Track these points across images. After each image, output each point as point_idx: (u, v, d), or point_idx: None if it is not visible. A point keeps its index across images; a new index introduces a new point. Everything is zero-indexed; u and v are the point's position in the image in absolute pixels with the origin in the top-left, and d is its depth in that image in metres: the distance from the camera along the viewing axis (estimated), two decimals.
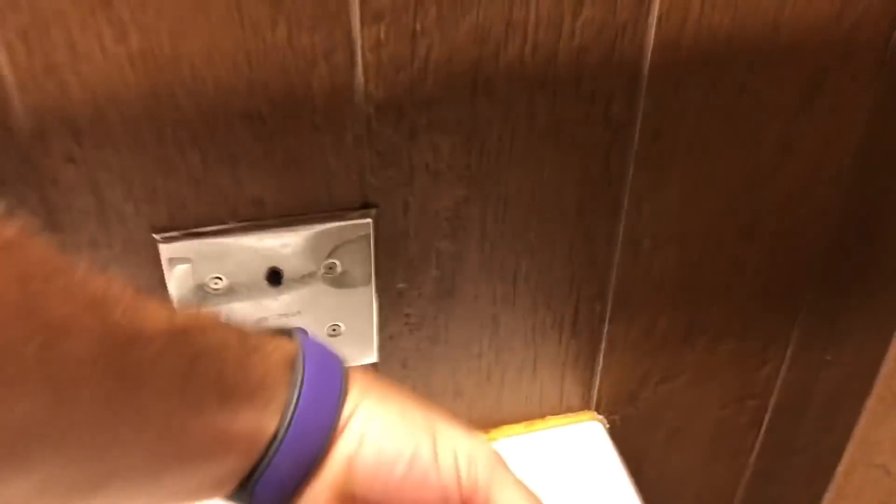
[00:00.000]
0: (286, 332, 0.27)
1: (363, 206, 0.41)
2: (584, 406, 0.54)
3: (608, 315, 0.49)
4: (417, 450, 0.26)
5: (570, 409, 0.53)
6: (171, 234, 0.38)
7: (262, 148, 0.37)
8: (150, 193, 0.37)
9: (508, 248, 0.44)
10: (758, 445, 0.61)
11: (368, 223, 0.41)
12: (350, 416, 0.26)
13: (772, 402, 0.58)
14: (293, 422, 0.24)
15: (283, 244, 0.40)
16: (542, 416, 0.53)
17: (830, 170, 0.46)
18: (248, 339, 0.24)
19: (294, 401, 0.24)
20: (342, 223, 0.40)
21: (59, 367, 0.18)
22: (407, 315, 0.45)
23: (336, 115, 0.37)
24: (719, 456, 0.61)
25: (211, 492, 0.25)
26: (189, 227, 0.38)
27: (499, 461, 0.27)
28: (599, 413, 0.54)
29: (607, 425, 0.54)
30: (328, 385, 0.26)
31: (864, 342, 0.57)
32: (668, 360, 0.53)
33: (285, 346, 0.25)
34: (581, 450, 0.52)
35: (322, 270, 0.41)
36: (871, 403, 0.61)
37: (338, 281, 0.42)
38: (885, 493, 0.61)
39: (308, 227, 0.40)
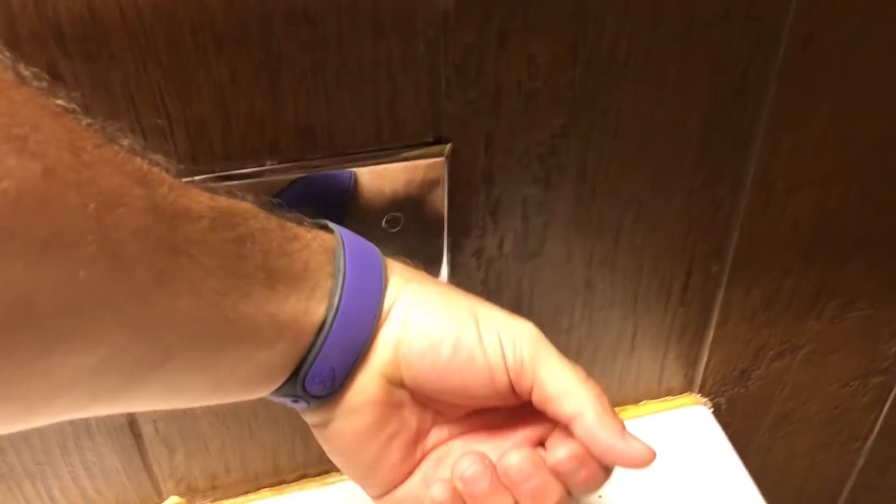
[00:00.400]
0: (322, 225, 0.26)
1: (435, 141, 0.31)
2: (687, 388, 0.45)
3: (726, 277, 0.40)
4: (462, 332, 0.26)
5: (669, 392, 0.44)
6: (191, 180, 0.29)
7: (310, 59, 0.28)
8: (164, 125, 0.28)
9: (612, 194, 0.35)
10: (876, 429, 0.52)
11: (441, 163, 0.32)
12: (393, 303, 0.26)
13: None
14: (340, 308, 0.24)
15: (335, 190, 0.31)
16: (636, 400, 0.44)
17: None
18: (287, 227, 0.24)
19: (339, 288, 0.25)
20: (408, 163, 0.31)
21: (115, 234, 0.18)
22: (483, 280, 0.36)
23: (405, 15, 0.28)
24: (831, 442, 0.52)
25: (262, 383, 0.24)
26: (216, 171, 0.29)
27: (542, 339, 0.27)
28: (703, 396, 0.45)
29: (712, 408, 0.45)
30: (370, 273, 0.26)
31: None
32: (788, 331, 0.44)
33: (324, 237, 0.25)
34: (686, 442, 0.43)
35: (383, 224, 0.32)
36: None
37: (402, 237, 0.33)
38: None
39: (365, 166, 0.31)
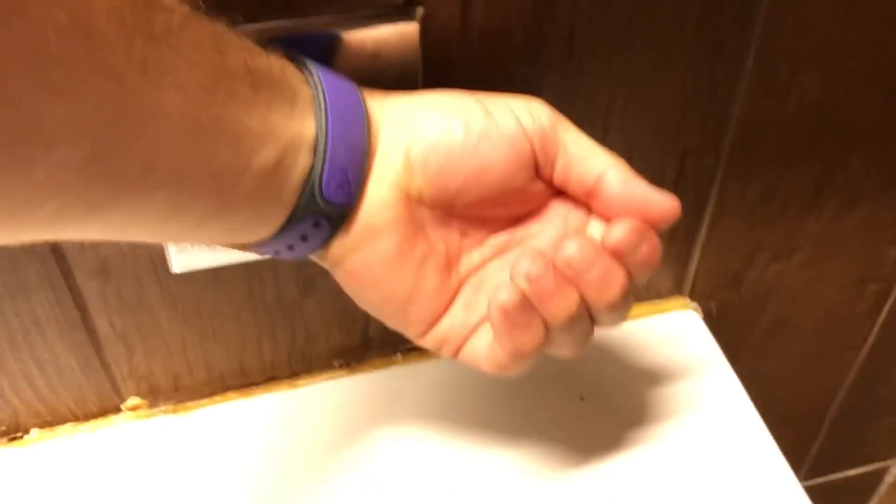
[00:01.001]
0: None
1: (406, 2, 0.28)
2: (676, 291, 0.43)
3: (721, 170, 0.37)
4: (469, 116, 0.25)
5: (658, 295, 0.42)
6: None
7: None
8: None
9: (602, 72, 0.32)
10: (872, 338, 0.51)
11: (414, 29, 0.29)
12: (384, 114, 0.26)
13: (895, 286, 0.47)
14: (328, 108, 0.24)
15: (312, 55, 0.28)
16: None
17: None
18: (252, 43, 0.23)
19: (320, 91, 0.24)
20: (374, 29, 0.28)
21: (86, 8, 0.17)
22: None
23: None
24: (825, 351, 0.50)
25: (273, 202, 0.23)
26: None
27: (555, 111, 0.27)
28: (693, 300, 0.43)
29: (702, 314, 0.43)
30: (344, 82, 0.25)
31: None
32: (785, 232, 0.41)
33: (284, 54, 0.24)
34: (673, 347, 0.41)
35: None
36: None
37: None
38: None
39: (328, 32, 0.28)
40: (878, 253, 0.45)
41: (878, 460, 0.63)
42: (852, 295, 0.47)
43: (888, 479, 0.64)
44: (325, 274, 0.28)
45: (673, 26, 0.32)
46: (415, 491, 0.34)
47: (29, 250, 0.31)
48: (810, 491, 0.58)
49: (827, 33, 0.34)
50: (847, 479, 0.63)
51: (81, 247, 0.31)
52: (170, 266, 0.32)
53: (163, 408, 0.38)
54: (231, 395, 0.38)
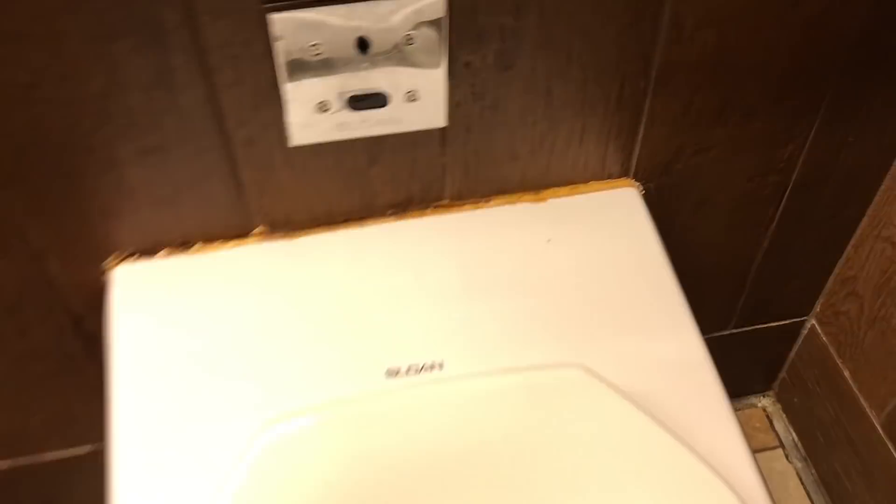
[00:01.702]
0: None
1: None
2: (624, 174, 0.61)
3: (650, 91, 0.55)
4: None
5: (610, 176, 0.61)
6: (277, 4, 0.45)
7: None
8: None
9: (564, 26, 0.50)
10: (777, 218, 0.69)
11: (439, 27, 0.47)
12: None
13: (793, 177, 0.65)
14: None
15: (371, 15, 0.46)
16: (585, 181, 0.61)
17: None
18: None
19: None
20: None
21: None
22: (472, 85, 0.52)
23: None
24: (741, 226, 0.69)
25: None
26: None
27: None
28: (637, 181, 0.62)
29: (643, 192, 0.62)
30: None
31: (884, 126, 0.63)
32: (701, 135, 0.60)
33: None
34: (619, 212, 0.60)
35: (403, 42, 0.48)
36: (885, 183, 0.68)
37: (416, 52, 0.49)
38: (888, 262, 0.69)
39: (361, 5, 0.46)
40: (774, 153, 0.63)
41: (795, 316, 0.82)
42: (757, 184, 0.65)
43: (804, 331, 0.83)
44: (387, 151, 0.47)
45: (612, 2, 0.49)
46: (435, 291, 0.55)
47: (203, 141, 0.51)
48: (741, 336, 0.80)
49: (719, 2, 0.51)
50: (771, 329, 0.82)
51: (238, 120, 0.51)
52: (290, 141, 0.52)
53: (277, 235, 0.58)
54: (322, 229, 0.59)
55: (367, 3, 0.46)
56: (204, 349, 0.52)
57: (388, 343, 0.52)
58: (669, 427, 0.44)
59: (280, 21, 0.45)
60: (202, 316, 0.54)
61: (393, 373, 0.50)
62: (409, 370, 0.50)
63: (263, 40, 0.46)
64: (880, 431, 0.74)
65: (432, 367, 0.50)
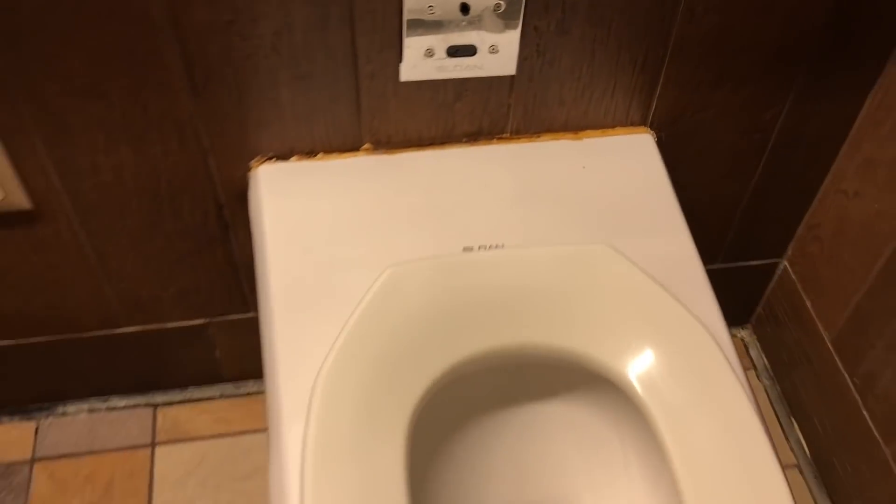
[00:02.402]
0: None
1: None
2: (643, 123, 0.80)
3: (667, 60, 0.74)
4: None
5: (632, 124, 0.80)
6: None
7: None
8: None
9: (608, 5, 0.69)
10: (759, 170, 0.88)
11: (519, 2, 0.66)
12: None
13: (773, 137, 0.84)
14: None
15: None
16: (613, 126, 0.80)
17: None
18: None
19: None
20: None
21: None
22: (537, 45, 0.71)
23: None
24: (730, 174, 0.88)
25: None
26: None
27: None
28: (652, 129, 0.80)
29: (656, 139, 0.81)
30: None
31: (844, 102, 0.82)
32: (703, 97, 0.78)
33: None
34: (637, 152, 0.79)
35: (492, 6, 0.67)
36: (843, 148, 0.87)
37: (502, 15, 0.67)
38: (843, 210, 0.88)
39: None
40: (758, 116, 0.82)
41: (772, 257, 1.01)
42: (745, 140, 0.84)
43: (778, 271, 1.02)
44: (469, 91, 0.66)
45: None
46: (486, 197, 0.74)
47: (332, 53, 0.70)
48: (728, 272, 1.00)
49: None
50: (752, 267, 1.01)
51: (367, 59, 0.70)
52: (401, 77, 0.71)
53: (379, 151, 0.77)
54: (412, 149, 0.77)
55: None
56: (327, 224, 0.71)
57: (463, 231, 0.70)
58: (665, 286, 0.63)
59: None
60: (324, 203, 0.72)
61: (468, 250, 0.69)
62: (479, 248, 0.69)
63: (395, 2, 0.65)
64: (830, 348, 0.93)
65: (495, 247, 0.69)
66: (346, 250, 0.68)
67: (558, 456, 0.70)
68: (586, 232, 0.70)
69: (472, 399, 0.70)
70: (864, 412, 0.88)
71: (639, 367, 0.60)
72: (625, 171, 0.77)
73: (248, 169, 0.77)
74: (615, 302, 0.62)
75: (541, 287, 0.63)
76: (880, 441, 0.86)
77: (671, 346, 0.61)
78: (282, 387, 0.60)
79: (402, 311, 0.61)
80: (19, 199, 0.74)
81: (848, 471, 0.93)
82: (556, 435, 0.70)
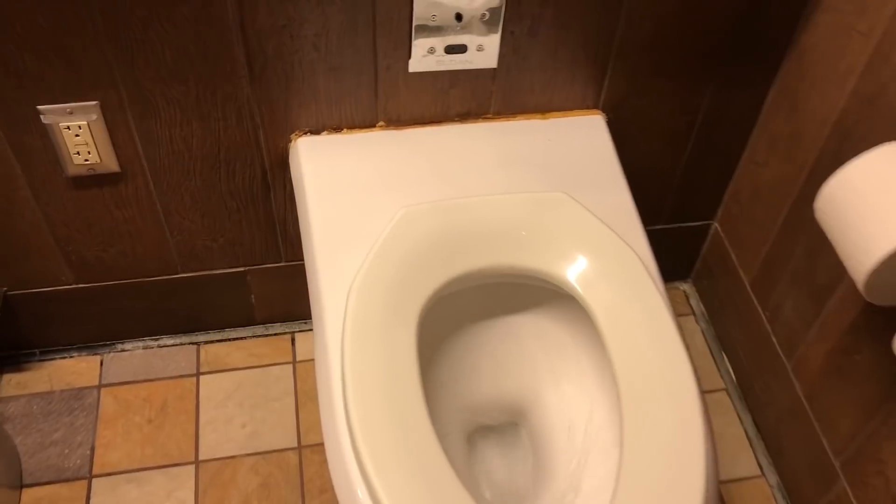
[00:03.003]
0: None
1: None
2: (595, 107, 1.02)
3: (613, 56, 0.96)
4: None
5: (587, 107, 1.02)
6: None
7: None
8: None
9: (567, 14, 0.91)
10: (690, 145, 1.10)
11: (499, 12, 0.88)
12: None
13: (699, 118, 1.07)
14: None
15: (464, 3, 0.87)
16: (572, 109, 1.02)
17: None
18: None
19: None
20: None
21: None
22: (513, 45, 0.93)
23: None
24: (667, 149, 1.10)
25: None
26: None
27: None
28: (602, 111, 1.03)
29: (606, 119, 1.03)
30: None
31: (753, 91, 1.05)
32: (642, 86, 1.01)
33: None
34: (591, 129, 1.01)
35: (479, 16, 0.89)
36: (757, 126, 1.09)
37: (486, 23, 0.89)
38: (756, 178, 1.11)
39: None
40: (688, 101, 1.04)
41: (705, 219, 1.24)
42: (677, 121, 1.06)
43: (711, 231, 1.25)
44: (461, 80, 0.88)
45: (588, 4, 0.90)
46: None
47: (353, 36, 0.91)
48: (670, 231, 1.24)
49: (655, 7, 0.92)
50: (689, 227, 1.24)
51: (384, 55, 0.91)
52: (409, 69, 0.93)
53: (391, 127, 0.99)
54: (417, 126, 0.99)
55: None
56: (351, 182, 0.92)
57: (456, 185, 0.92)
58: (603, 220, 0.85)
59: (417, 0, 0.86)
60: (349, 167, 0.94)
61: (461, 197, 0.91)
62: (469, 196, 0.91)
63: (408, 11, 0.87)
64: (748, 289, 1.16)
65: (481, 195, 0.91)
66: (366, 199, 0.90)
67: (527, 355, 0.92)
68: (549, 186, 0.92)
69: (462, 313, 0.92)
70: (773, 338, 1.11)
71: (584, 278, 0.82)
72: (580, 143, 0.99)
73: (289, 141, 0.98)
74: (567, 233, 0.84)
75: (514, 223, 0.85)
76: (783, 358, 1.08)
77: (608, 263, 0.83)
78: (324, 295, 0.82)
79: (413, 240, 0.83)
80: (111, 163, 0.96)
81: (763, 388, 1.15)
82: (526, 340, 0.93)
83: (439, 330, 0.90)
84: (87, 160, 0.94)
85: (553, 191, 0.89)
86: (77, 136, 0.91)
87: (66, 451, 1.13)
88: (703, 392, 0.86)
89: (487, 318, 0.93)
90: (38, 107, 0.88)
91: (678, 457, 0.70)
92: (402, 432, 0.71)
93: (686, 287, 1.35)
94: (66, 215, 1.01)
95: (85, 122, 0.90)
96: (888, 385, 0.88)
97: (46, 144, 0.92)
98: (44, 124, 0.90)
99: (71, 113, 0.89)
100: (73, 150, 0.93)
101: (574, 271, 0.82)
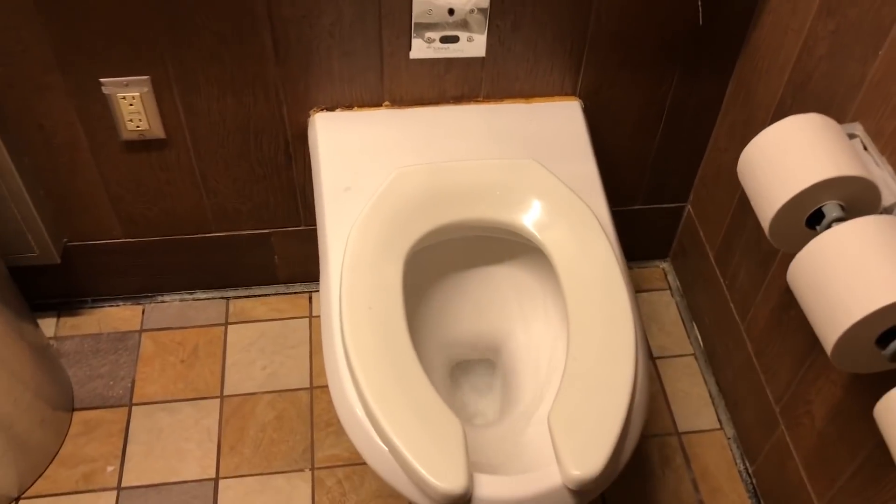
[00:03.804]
0: None
1: None
2: (573, 93, 1.18)
3: (586, 48, 1.12)
4: None
5: (565, 94, 1.18)
6: None
7: None
8: None
9: (544, 10, 1.07)
10: (660, 131, 1.25)
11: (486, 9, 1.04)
12: None
13: (666, 106, 1.22)
14: None
15: (456, 1, 1.04)
16: (551, 95, 1.18)
17: None
18: None
19: None
20: None
21: None
22: (498, 37, 1.09)
23: None
24: (638, 134, 1.25)
25: None
26: None
27: None
28: (579, 98, 1.18)
29: (582, 106, 1.18)
30: None
31: (710, 83, 1.19)
32: (613, 76, 1.16)
33: None
34: (568, 113, 1.17)
35: (468, 13, 1.05)
36: (719, 115, 1.24)
37: (475, 17, 1.06)
38: (719, 161, 1.26)
39: None
40: (654, 91, 1.19)
41: (679, 201, 1.38)
42: (646, 108, 1.21)
43: (684, 214, 1.39)
44: (454, 67, 1.05)
45: (563, 5, 1.06)
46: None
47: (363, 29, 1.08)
48: (647, 212, 1.40)
49: (623, 9, 1.08)
50: (665, 209, 1.39)
51: (389, 42, 1.08)
52: (410, 55, 1.09)
53: (394, 106, 1.15)
54: (417, 106, 1.15)
55: None
56: (359, 150, 1.09)
57: (448, 155, 1.08)
58: (570, 188, 1.01)
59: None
60: (357, 138, 1.11)
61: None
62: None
63: (408, 6, 1.04)
64: (713, 262, 1.30)
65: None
66: (370, 164, 1.06)
67: (502, 301, 1.08)
68: (526, 156, 1.08)
69: (446, 263, 1.07)
70: (731, 304, 1.25)
71: (549, 232, 0.97)
72: (557, 124, 1.15)
73: (308, 116, 1.15)
74: (536, 193, 1.00)
75: (491, 182, 1.01)
76: (738, 321, 1.22)
77: (570, 219, 0.98)
78: (328, 237, 0.98)
79: (404, 195, 1.00)
80: (158, 130, 1.14)
81: (723, 350, 1.29)
82: (501, 287, 1.08)
83: (425, 277, 1.06)
84: (138, 126, 1.12)
85: (525, 159, 1.05)
86: (131, 105, 1.09)
87: (111, 382, 1.31)
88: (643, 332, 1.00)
89: (468, 268, 1.09)
90: (101, 79, 1.07)
91: (613, 360, 0.85)
92: (384, 340, 0.87)
93: (665, 265, 1.49)
94: (119, 175, 1.20)
95: (138, 94, 1.08)
96: (814, 333, 1.02)
97: (105, 112, 1.11)
98: (104, 94, 1.08)
99: (127, 85, 1.07)
100: (127, 118, 1.11)
101: (536, 223, 0.98)
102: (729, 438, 1.27)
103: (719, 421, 1.29)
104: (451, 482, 0.77)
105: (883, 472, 0.90)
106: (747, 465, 1.23)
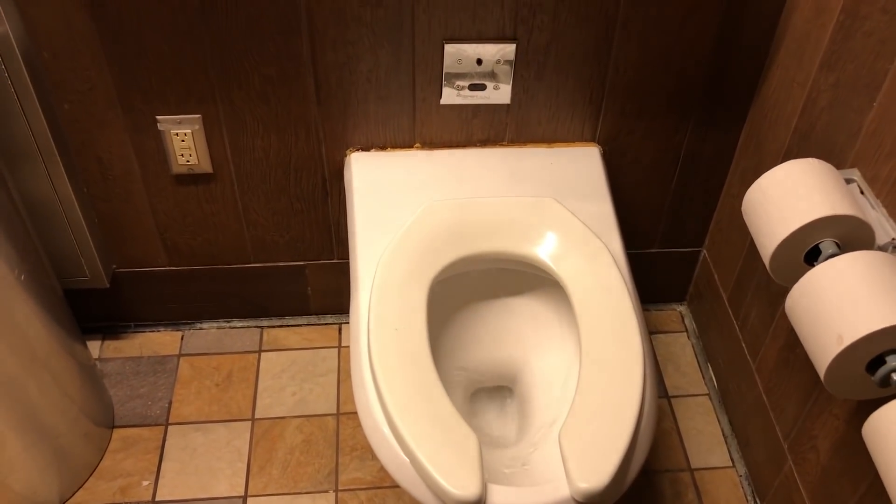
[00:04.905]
0: None
1: (511, 39, 1.13)
2: (592, 140, 1.26)
3: (605, 98, 1.20)
4: None
5: (585, 140, 1.26)
6: (449, 40, 1.11)
7: None
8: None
9: (566, 63, 1.15)
10: (675, 177, 1.32)
11: (513, 49, 1.13)
12: None
13: (682, 153, 1.29)
14: None
15: (484, 52, 1.12)
16: (572, 141, 1.25)
17: (709, 31, 1.15)
18: None
19: None
20: (496, 45, 1.12)
21: None
22: (523, 85, 1.17)
23: None
24: (655, 179, 1.32)
25: None
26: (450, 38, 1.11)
27: None
28: (598, 144, 1.26)
29: (601, 151, 1.26)
30: None
31: (726, 132, 1.26)
32: (630, 124, 1.24)
33: None
34: (587, 158, 1.24)
35: (496, 63, 1.14)
36: (732, 163, 1.31)
37: (502, 67, 1.14)
38: (732, 206, 1.32)
39: (481, 46, 1.12)
40: (670, 139, 1.26)
41: (695, 246, 1.44)
42: (662, 155, 1.28)
43: (700, 258, 1.45)
44: (481, 112, 1.13)
45: (587, 51, 1.15)
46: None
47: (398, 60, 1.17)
48: (665, 255, 1.47)
49: (639, 57, 1.16)
50: (682, 253, 1.44)
51: (421, 88, 1.17)
52: (441, 101, 1.18)
53: (425, 148, 1.24)
54: (446, 148, 1.24)
55: (483, 45, 1.12)
56: (391, 187, 1.17)
57: (470, 191, 1.16)
58: (587, 226, 1.07)
59: (448, 48, 1.12)
60: (390, 176, 1.19)
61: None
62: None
63: (439, 55, 1.13)
64: (726, 304, 1.35)
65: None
66: (400, 198, 1.14)
67: (520, 331, 1.14)
68: (545, 195, 1.15)
69: (467, 292, 1.14)
70: (743, 344, 1.29)
71: (564, 265, 1.04)
72: (577, 168, 1.22)
73: (345, 155, 1.24)
74: (553, 229, 1.07)
75: (512, 218, 1.08)
76: (749, 360, 1.27)
77: (585, 253, 1.05)
78: (359, 265, 1.06)
79: (432, 227, 1.07)
80: (206, 165, 1.23)
81: (735, 389, 1.33)
82: (519, 317, 1.14)
83: (448, 306, 1.12)
84: (188, 161, 1.21)
85: (545, 197, 1.12)
86: (183, 141, 1.19)
87: (149, 403, 1.38)
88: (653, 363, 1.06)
89: (488, 298, 1.15)
90: (157, 116, 1.17)
91: (621, 383, 0.91)
92: (408, 359, 0.93)
93: (682, 308, 1.54)
94: (167, 207, 1.29)
95: (189, 131, 1.18)
96: None
97: (159, 147, 1.20)
98: (159, 130, 1.18)
99: (180, 122, 1.17)
100: (178, 153, 1.20)
101: (553, 256, 1.05)
102: (741, 476, 1.30)
103: (731, 459, 1.33)
104: (467, 490, 0.82)
105: (884, 502, 0.93)
106: (758, 502, 1.26)
